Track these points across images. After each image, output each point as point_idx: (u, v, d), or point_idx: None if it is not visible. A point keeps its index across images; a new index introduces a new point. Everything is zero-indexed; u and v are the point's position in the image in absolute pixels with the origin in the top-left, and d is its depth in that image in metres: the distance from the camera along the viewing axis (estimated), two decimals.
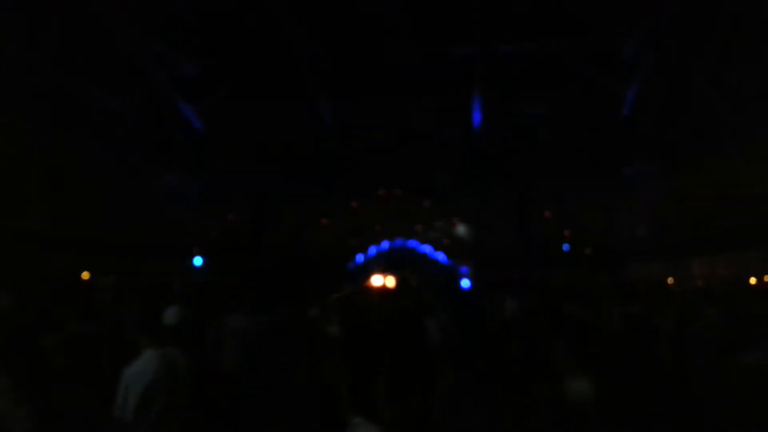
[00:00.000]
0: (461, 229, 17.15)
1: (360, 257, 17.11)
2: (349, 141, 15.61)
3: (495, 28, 11.65)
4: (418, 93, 14.30)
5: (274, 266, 16.00)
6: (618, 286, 13.48)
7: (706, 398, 5.01)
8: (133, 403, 3.28)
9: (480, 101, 13.95)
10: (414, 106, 14.65)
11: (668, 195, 12.90)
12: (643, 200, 14.78)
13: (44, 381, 3.95)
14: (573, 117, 14.22)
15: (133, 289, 9.89)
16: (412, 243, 17.22)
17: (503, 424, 3.62)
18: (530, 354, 3.92)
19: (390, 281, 15.55)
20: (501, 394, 3.76)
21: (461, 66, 12.94)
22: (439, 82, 13.74)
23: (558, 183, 15.64)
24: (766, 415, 4.27)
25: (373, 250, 17.19)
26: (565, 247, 16.14)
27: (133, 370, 3.39)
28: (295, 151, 15.64)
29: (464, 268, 16.49)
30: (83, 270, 12.30)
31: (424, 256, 17.15)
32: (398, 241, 17.29)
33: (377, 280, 15.79)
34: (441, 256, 17.04)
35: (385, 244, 17.27)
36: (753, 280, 12.30)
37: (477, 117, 14.47)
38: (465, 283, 16.02)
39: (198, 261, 15.55)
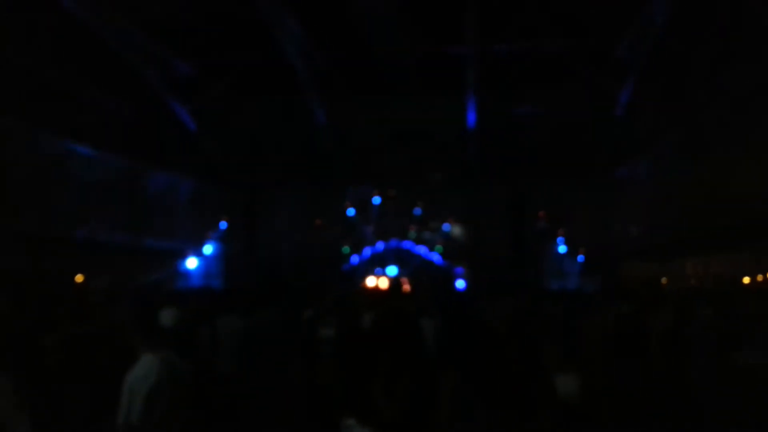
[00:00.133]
0: (456, 230, 17.14)
1: (354, 258, 17.09)
2: (343, 141, 15.59)
3: (490, 27, 11.63)
4: (413, 93, 14.29)
5: (268, 267, 15.97)
6: (612, 285, 13.54)
7: (701, 398, 5.02)
8: (139, 407, 3.30)
9: (475, 101, 13.95)
10: (408, 106, 14.63)
11: (662, 194, 12.92)
12: (636, 200, 14.81)
13: (44, 382, 3.94)
14: (567, 116, 14.24)
15: (128, 291, 9.87)
16: (407, 244, 17.21)
17: (502, 424, 3.61)
18: (526, 354, 3.91)
19: (384, 282, 15.59)
20: (499, 394, 3.75)
21: (455, 65, 12.93)
22: (433, 81, 13.73)
23: (553, 183, 15.67)
24: (762, 415, 4.28)
25: (367, 251, 17.18)
26: (561, 247, 16.17)
27: (136, 375, 3.39)
28: (288, 151, 15.60)
29: (459, 269, 16.50)
30: (77, 272, 12.27)
31: (419, 257, 17.15)
32: (393, 242, 17.28)
33: (372, 282, 15.83)
34: (436, 257, 17.04)
35: (380, 245, 17.26)
36: (747, 280, 12.36)
37: (472, 117, 14.47)
38: (460, 283, 16.04)
39: (192, 262, 15.52)
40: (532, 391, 3.71)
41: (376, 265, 16.91)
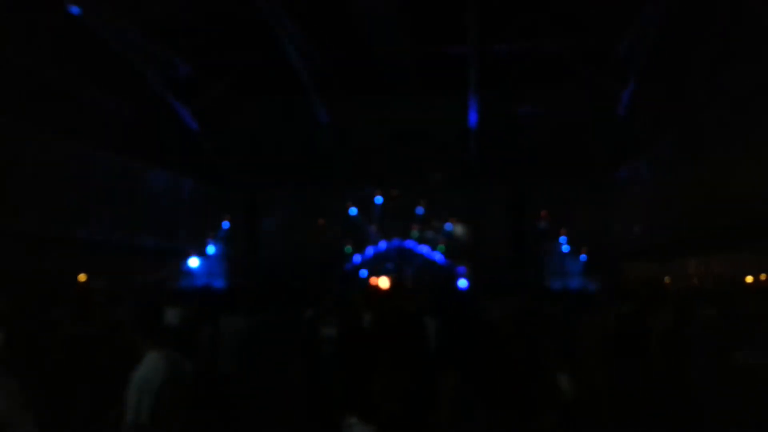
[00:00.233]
0: (458, 229, 17.15)
1: (357, 258, 17.10)
2: (344, 141, 15.59)
3: (490, 27, 11.63)
4: (413, 93, 14.29)
5: (269, 267, 15.98)
6: (612, 285, 13.53)
7: (702, 398, 5.02)
8: (147, 406, 3.29)
9: (475, 101, 13.96)
10: (409, 106, 14.64)
11: (662, 194, 12.92)
12: (637, 200, 14.81)
13: (46, 382, 3.95)
14: (568, 116, 14.24)
15: (130, 290, 9.88)
16: (409, 243, 17.22)
17: (503, 424, 3.61)
18: (527, 354, 3.91)
19: (386, 282, 15.58)
20: (499, 394, 3.75)
21: (456, 65, 12.93)
22: (433, 81, 13.74)
23: (553, 182, 15.67)
24: (762, 416, 4.28)
25: (370, 250, 17.19)
26: (562, 247, 16.18)
27: (143, 374, 3.39)
28: (289, 151, 15.61)
29: (461, 269, 16.50)
30: (77, 272, 12.28)
31: (421, 256, 17.15)
32: (395, 242, 17.29)
33: (374, 281, 15.82)
34: (438, 257, 17.05)
35: (382, 245, 17.26)
36: (749, 279, 12.36)
37: (472, 117, 14.47)
38: (462, 283, 16.04)
39: (194, 262, 15.55)
40: (533, 390, 3.72)
41: (378, 264, 16.93)
